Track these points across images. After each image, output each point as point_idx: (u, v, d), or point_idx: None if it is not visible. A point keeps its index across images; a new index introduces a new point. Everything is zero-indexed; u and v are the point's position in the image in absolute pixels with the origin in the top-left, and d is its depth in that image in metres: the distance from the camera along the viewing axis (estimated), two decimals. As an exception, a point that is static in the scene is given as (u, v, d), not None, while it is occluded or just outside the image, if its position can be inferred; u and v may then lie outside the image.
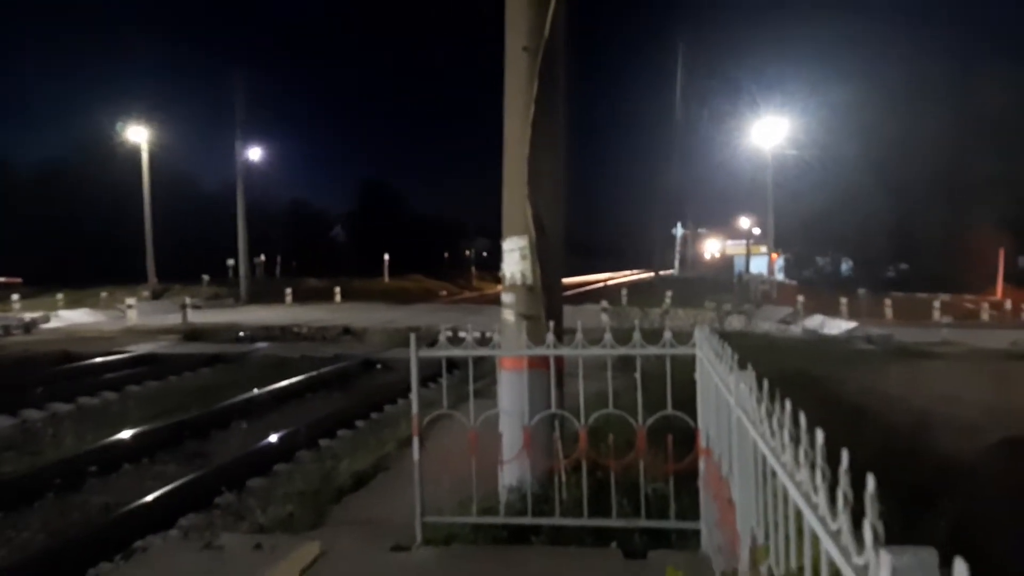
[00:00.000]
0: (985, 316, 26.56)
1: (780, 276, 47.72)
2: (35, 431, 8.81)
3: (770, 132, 37.19)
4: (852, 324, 19.94)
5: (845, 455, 1.30)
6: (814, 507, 1.48)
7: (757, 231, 57.05)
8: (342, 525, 4.73)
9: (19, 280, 34.60)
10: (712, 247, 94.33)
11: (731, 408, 2.77)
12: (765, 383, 2.15)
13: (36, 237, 44.49)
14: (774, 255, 42.82)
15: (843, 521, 1.28)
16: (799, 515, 1.70)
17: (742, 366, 2.78)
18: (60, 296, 29.91)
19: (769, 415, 2.01)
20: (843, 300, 25.34)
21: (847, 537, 1.26)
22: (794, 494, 1.67)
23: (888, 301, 26.21)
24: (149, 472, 7.32)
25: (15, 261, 37.66)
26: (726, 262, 73.43)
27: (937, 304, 24.65)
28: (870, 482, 1.16)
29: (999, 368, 12.79)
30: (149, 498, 5.95)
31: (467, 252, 72.44)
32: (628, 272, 69.91)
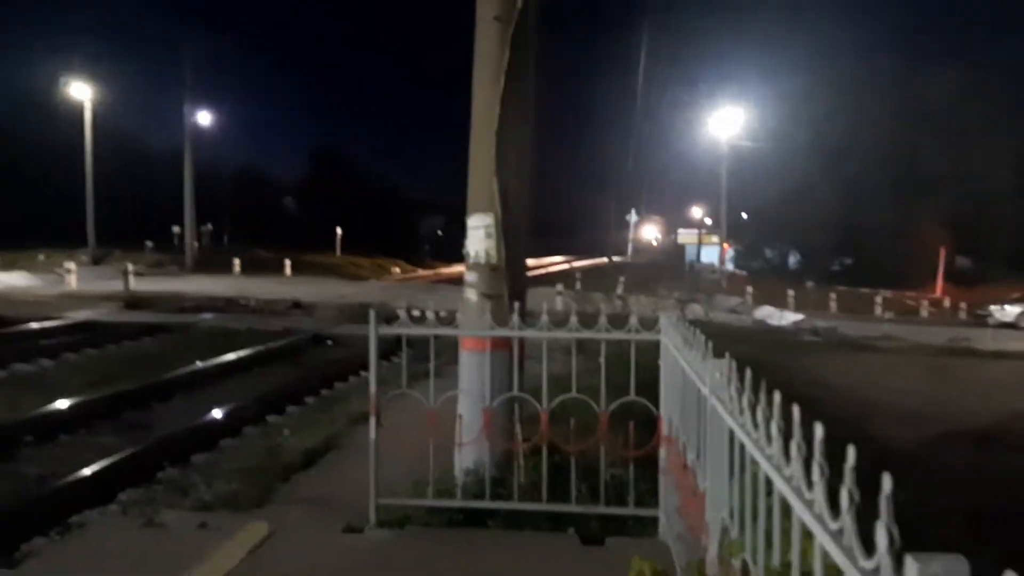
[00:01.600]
0: (925, 313, 27.48)
1: (730, 266, 48.57)
2: (-36, 398, 8.37)
3: (727, 122, 37.64)
4: (799, 316, 20.41)
5: (852, 452, 1.24)
6: (809, 503, 1.42)
7: (708, 221, 57.92)
8: (291, 504, 4.59)
9: (-51, 239, 32.97)
10: (651, 233, 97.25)
11: (703, 396, 2.72)
12: (748, 373, 2.10)
13: (-32, 195, 42.43)
14: (726, 245, 43.54)
15: (847, 521, 1.22)
16: (785, 509, 1.65)
17: (714, 353, 2.73)
18: (-7, 257, 28.63)
19: (752, 406, 1.96)
20: (790, 292, 25.92)
21: (851, 538, 1.20)
22: (782, 488, 1.61)
23: (833, 295, 26.89)
24: (87, 444, 7.00)
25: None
26: (667, 249, 74.41)
27: (879, 300, 25.42)
28: (886, 482, 1.10)
29: (938, 363, 13.23)
30: (87, 471, 5.68)
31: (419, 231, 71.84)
32: (582, 259, 70.03)
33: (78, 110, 34.14)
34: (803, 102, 43.73)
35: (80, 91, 34.03)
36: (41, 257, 30.51)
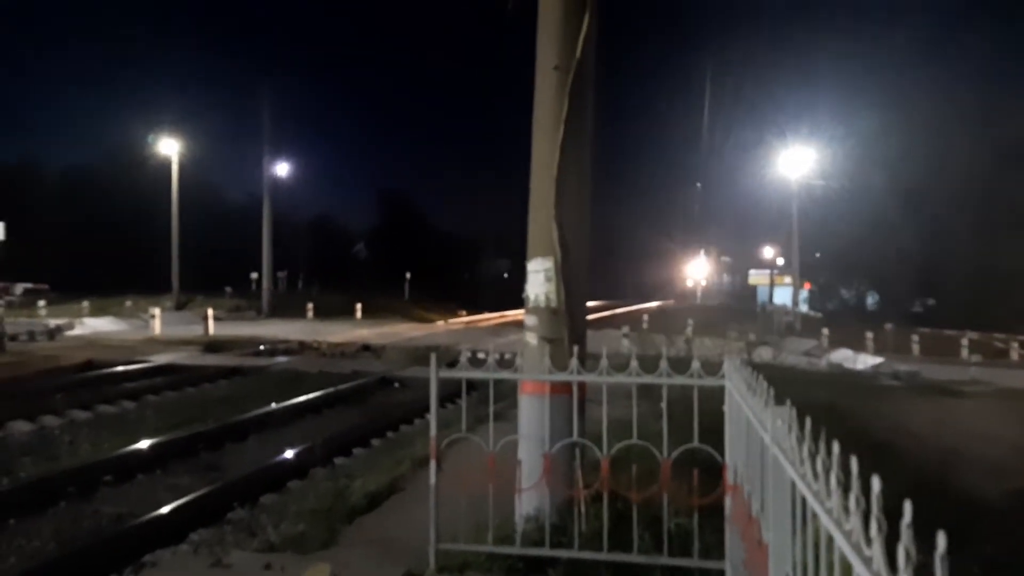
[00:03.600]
0: (1015, 356, 25.98)
1: (804, 307, 47.17)
2: (52, 437, 8.81)
3: (797, 161, 36.90)
4: (878, 359, 19.57)
5: (908, 507, 1.18)
6: (867, 561, 1.36)
7: (780, 261, 56.53)
8: (354, 546, 4.62)
9: (46, 286, 35.10)
10: (697, 272, 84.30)
11: (766, 445, 2.64)
12: (808, 421, 2.03)
13: (63, 243, 45.17)
14: (807, 284, 42.27)
15: (905, 580, 1.17)
16: (845, 565, 1.58)
17: (778, 400, 2.65)
18: (85, 304, 30.27)
19: (812, 456, 1.89)
20: (869, 334, 24.93)
21: (909, 598, 1.14)
22: (841, 543, 1.54)
23: (915, 337, 25.74)
24: (162, 483, 7.26)
25: (42, 266, 38.24)
26: (727, 290, 72.03)
27: (965, 342, 24.16)
28: (940, 541, 1.04)
29: (1031, 409, 12.42)
30: (161, 511, 5.89)
31: (464, 275, 72.30)
32: (626, 304, 68.80)
33: (164, 163, 36.14)
34: (878, 140, 42.65)
35: (168, 146, 36.05)
36: (128, 303, 32.08)
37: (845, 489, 1.56)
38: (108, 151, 53.82)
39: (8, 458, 7.85)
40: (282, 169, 41.46)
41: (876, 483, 1.36)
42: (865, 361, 19.11)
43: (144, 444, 8.03)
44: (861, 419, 9.27)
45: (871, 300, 53.16)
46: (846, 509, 1.53)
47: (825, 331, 25.95)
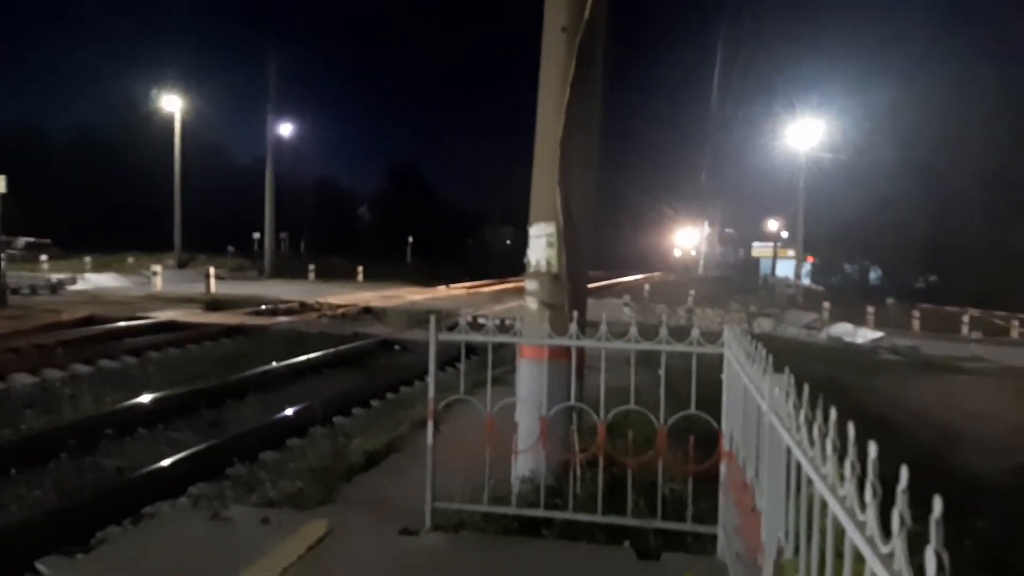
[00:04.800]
0: (1015, 334, 26.00)
1: (806, 281, 47.10)
2: (54, 391, 8.86)
3: (805, 134, 36.54)
4: (878, 334, 19.57)
5: (904, 472, 1.18)
6: (860, 526, 1.36)
7: (785, 234, 56.34)
8: (351, 504, 4.67)
9: (48, 241, 35.08)
10: (686, 241, 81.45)
11: (762, 412, 2.64)
12: (806, 388, 2.03)
13: (67, 200, 45.09)
14: (809, 258, 42.15)
15: (898, 544, 1.17)
16: (838, 530, 1.58)
17: (776, 369, 2.65)
18: (88, 259, 30.33)
19: (808, 423, 1.89)
20: (870, 309, 24.93)
21: (901, 563, 1.14)
22: (836, 509, 1.55)
23: (916, 312, 25.73)
24: (163, 438, 7.33)
25: (46, 223, 38.18)
26: (718, 262, 71.76)
27: (966, 319, 24.17)
28: (936, 505, 1.04)
29: (1029, 387, 12.46)
30: (161, 464, 5.94)
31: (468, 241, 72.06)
32: (649, 273, 68.77)
33: (168, 121, 35.89)
34: (889, 114, 42.13)
35: (171, 103, 35.76)
36: (130, 260, 32.14)
37: (841, 456, 1.56)
38: (114, 110, 53.39)
39: (10, 410, 7.91)
40: (286, 130, 41.18)
41: (872, 449, 1.35)
42: (865, 335, 19.12)
43: (145, 399, 8.08)
44: (858, 392, 9.31)
45: (874, 275, 53.10)
46: (841, 475, 1.53)
47: (826, 304, 25.95)
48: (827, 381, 8.27)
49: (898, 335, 20.00)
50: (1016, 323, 26.92)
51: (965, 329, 22.85)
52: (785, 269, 48.23)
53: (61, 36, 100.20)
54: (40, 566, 4.21)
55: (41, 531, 4.65)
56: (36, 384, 9.36)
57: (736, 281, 47.15)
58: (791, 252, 45.89)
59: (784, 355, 2.84)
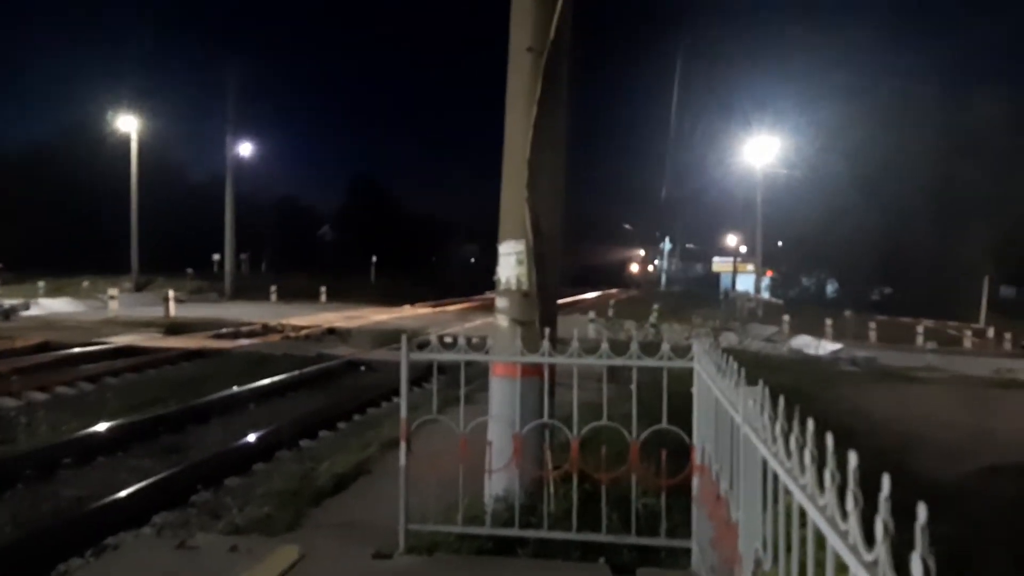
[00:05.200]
0: (968, 343, 26.75)
1: (766, 294, 47.93)
2: (9, 419, 8.57)
3: (761, 150, 37.37)
4: (837, 346, 19.99)
5: (887, 480, 1.21)
6: (843, 534, 1.39)
7: (744, 249, 57.34)
8: (321, 528, 4.60)
9: (0, 265, 34.03)
10: (642, 259, 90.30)
11: (736, 425, 2.68)
12: (780, 400, 2.06)
13: (19, 220, 43.78)
14: (768, 271, 42.92)
15: (881, 552, 1.19)
16: (819, 540, 1.61)
17: (748, 381, 2.69)
18: (41, 284, 29.45)
19: (785, 434, 1.92)
20: (828, 321, 25.44)
21: (886, 569, 1.17)
22: (815, 518, 1.57)
23: (872, 324, 26.32)
24: (124, 466, 7.12)
25: (-4, 245, 37.05)
26: (691, 278, 73.23)
27: (921, 329, 24.79)
28: (921, 512, 1.07)
29: (983, 394, 12.83)
30: (123, 493, 5.77)
31: (432, 259, 72.19)
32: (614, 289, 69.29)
33: (124, 141, 35.18)
34: (840, 130, 43.28)
35: (127, 123, 35.09)
36: (86, 284, 31.30)
37: (819, 466, 1.59)
38: (67, 129, 52.19)
39: (-38, 440, 7.63)
40: (246, 149, 40.68)
41: (853, 458, 1.38)
42: (824, 347, 19.51)
43: (104, 426, 7.86)
44: (820, 402, 9.48)
45: (831, 288, 54.26)
46: (821, 485, 1.56)
47: (786, 317, 26.43)
48: (790, 391, 8.39)
49: (856, 347, 20.44)
50: (968, 333, 27.71)
51: (920, 340, 23.44)
52: (745, 283, 49.07)
53: (12, 53, 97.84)
54: (-3, 602, 4.05)
55: (-3, 565, 4.48)
56: (-12, 413, 9.05)
57: (699, 295, 47.70)
58: (750, 266, 46.73)
59: (750, 367, 2.89)
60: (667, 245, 75.01)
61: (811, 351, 19.25)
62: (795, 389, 9.18)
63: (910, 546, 1.10)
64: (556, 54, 4.75)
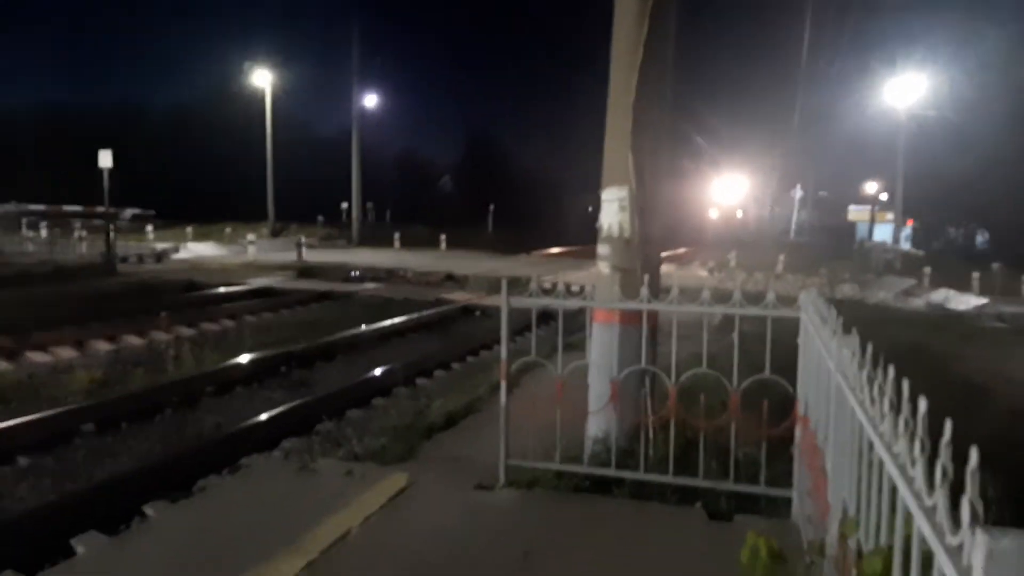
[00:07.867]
0: None
1: (906, 246, 44.78)
2: (159, 352, 9.49)
3: (906, 90, 34.43)
4: (982, 300, 18.52)
5: (948, 426, 1.18)
6: (910, 480, 1.36)
7: (884, 197, 53.63)
8: (431, 460, 4.86)
9: (152, 212, 37.16)
10: (726, 198, 59.23)
11: (831, 374, 2.61)
12: (869, 348, 2.00)
13: (168, 174, 47.51)
14: (909, 221, 39.93)
15: (939, 497, 1.17)
16: (894, 489, 1.58)
17: (847, 331, 2.60)
18: (189, 229, 31.97)
19: (870, 381, 1.87)
20: (975, 274, 23.53)
21: (942, 514, 1.15)
22: (890, 466, 1.54)
23: (1025, 278, 24.12)
24: (258, 396, 7.77)
25: (149, 195, 40.41)
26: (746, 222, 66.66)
27: (1083, 284, 22.50)
28: (973, 456, 1.04)
29: None
30: (256, 420, 6.32)
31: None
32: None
33: (258, 96, 37.08)
34: (1003, 69, 39.11)
35: (262, 78, 36.88)
36: (228, 230, 33.63)
37: (896, 413, 1.55)
38: (206, 88, 55.82)
39: (121, 369, 8.53)
40: (370, 101, 41.78)
41: (923, 404, 1.35)
42: (967, 301, 18.13)
43: (242, 360, 8.58)
44: (954, 360, 8.88)
45: (981, 239, 49.99)
46: (897, 432, 1.52)
47: (927, 270, 24.68)
48: (915, 348, 7.93)
49: (1005, 302, 18.86)
50: None
51: (1081, 296, 21.29)
52: (883, 233, 45.97)
53: (158, 19, 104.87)
54: (147, 510, 4.59)
55: (149, 479, 5.06)
56: (144, 345, 10.07)
57: (830, 246, 45.23)
58: (890, 216, 43.69)
59: (870, 321, 2.79)
60: (798, 192, 71.20)
61: (952, 305, 17.97)
62: (919, 345, 8.66)
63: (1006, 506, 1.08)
64: (664, -7, 4.60)
